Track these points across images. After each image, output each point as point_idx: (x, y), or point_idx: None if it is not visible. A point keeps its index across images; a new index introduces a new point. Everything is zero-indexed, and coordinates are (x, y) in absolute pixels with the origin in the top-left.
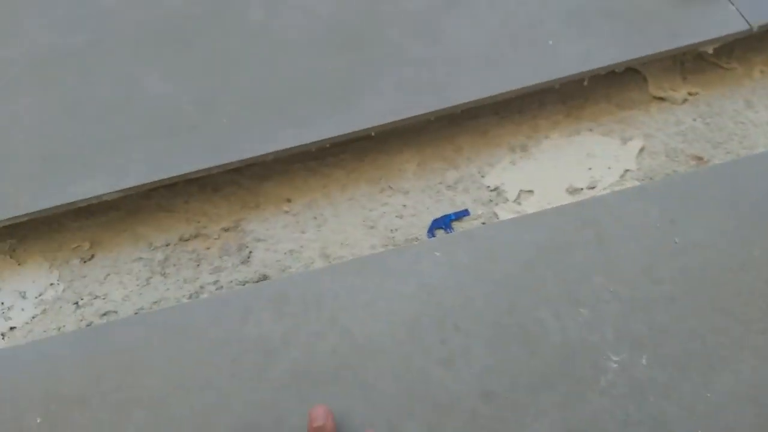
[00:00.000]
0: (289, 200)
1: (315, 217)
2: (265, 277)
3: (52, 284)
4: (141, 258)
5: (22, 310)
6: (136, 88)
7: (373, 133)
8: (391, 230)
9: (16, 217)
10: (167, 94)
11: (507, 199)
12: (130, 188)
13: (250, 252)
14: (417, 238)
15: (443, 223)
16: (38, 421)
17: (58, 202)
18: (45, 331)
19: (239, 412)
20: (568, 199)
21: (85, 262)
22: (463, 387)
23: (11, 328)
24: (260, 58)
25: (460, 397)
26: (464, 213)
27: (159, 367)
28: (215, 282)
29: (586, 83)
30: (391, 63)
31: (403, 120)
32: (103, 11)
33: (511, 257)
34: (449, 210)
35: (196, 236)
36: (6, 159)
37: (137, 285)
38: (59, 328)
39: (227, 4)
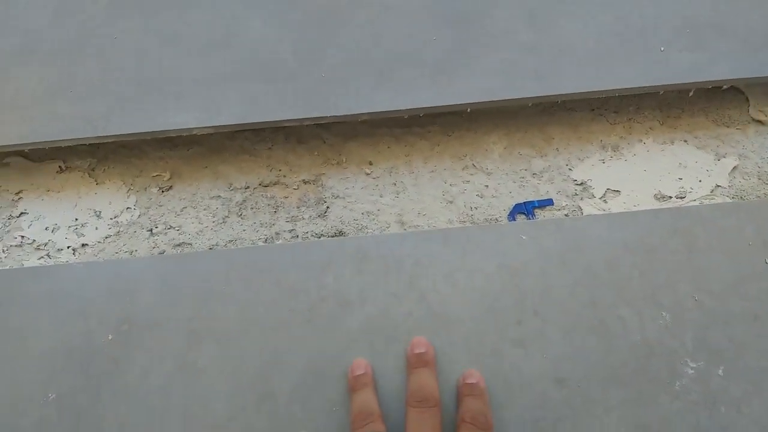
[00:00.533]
0: (370, 163)
1: (395, 184)
2: (340, 233)
3: (128, 208)
4: (219, 196)
5: (96, 228)
6: (238, 29)
7: (468, 110)
8: (471, 208)
9: (103, 137)
10: (268, 40)
11: (593, 196)
12: (221, 126)
13: (328, 207)
14: (497, 219)
15: (526, 208)
16: (109, 338)
17: (148, 129)
18: (117, 253)
19: (308, 357)
20: (655, 205)
21: (163, 191)
22: (535, 369)
23: (83, 245)
24: (366, 17)
25: (531, 379)
26: (548, 202)
27: (235, 302)
28: (291, 230)
29: (691, 94)
30: (496, 44)
31: (500, 101)
32: None
33: (598, 252)
34: (532, 197)
35: (275, 183)
36: (100, 79)
37: (213, 222)
38: (131, 252)
39: None
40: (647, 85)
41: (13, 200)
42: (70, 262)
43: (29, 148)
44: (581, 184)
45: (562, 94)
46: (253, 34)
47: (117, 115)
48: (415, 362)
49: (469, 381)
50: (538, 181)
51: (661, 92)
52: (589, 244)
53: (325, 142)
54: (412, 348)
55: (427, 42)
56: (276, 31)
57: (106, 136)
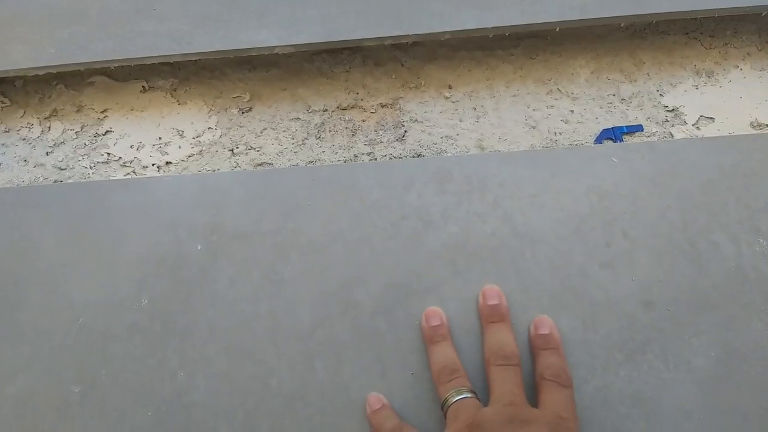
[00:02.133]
0: (450, 87)
1: (475, 108)
2: (419, 157)
3: (210, 128)
4: (298, 118)
5: (179, 147)
6: None
7: (557, 29)
8: (555, 133)
9: (187, 54)
10: None
11: (685, 122)
12: (302, 45)
13: (406, 131)
14: (583, 145)
15: (614, 134)
16: (198, 248)
17: (231, 47)
18: (200, 171)
19: (391, 271)
20: (750, 133)
21: (243, 113)
22: (623, 291)
23: (167, 163)
24: None
25: (618, 301)
26: (638, 128)
27: (319, 217)
28: (369, 153)
29: None
30: None
31: (591, 20)
32: None
33: (693, 176)
34: (620, 122)
35: (353, 107)
36: None
37: (293, 143)
38: (214, 171)
39: None
40: (748, 5)
41: (98, 119)
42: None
43: (115, 65)
44: (673, 110)
45: (657, 14)
46: None
47: (200, 32)
48: (490, 315)
49: (542, 332)
50: (627, 107)
51: (763, 14)
52: (682, 167)
53: (403, 65)
54: (485, 299)
55: None
56: None
57: (190, 54)
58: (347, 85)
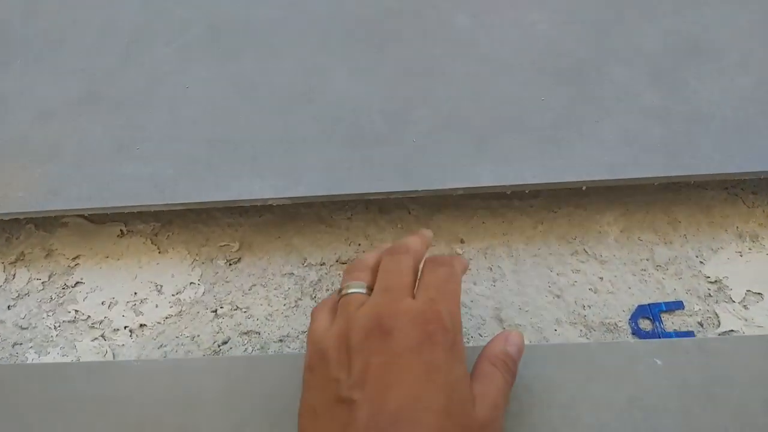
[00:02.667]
0: (462, 241)
1: (491, 268)
2: None
3: (192, 283)
4: (292, 274)
5: (156, 306)
6: (320, 82)
7: (583, 188)
8: (583, 306)
9: (169, 204)
10: (354, 96)
11: (731, 299)
12: (300, 197)
13: None
14: (616, 324)
15: (651, 312)
16: None
17: (220, 198)
18: (177, 337)
19: None
20: None
21: (230, 264)
22: None
23: (141, 326)
24: (463, 73)
25: None
26: (678, 305)
27: None
28: None
29: None
30: (617, 108)
31: (621, 180)
32: None
33: (753, 388)
34: (656, 294)
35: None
36: (170, 135)
37: (284, 305)
38: (193, 337)
39: (430, 4)
40: None
41: (69, 266)
42: (126, 345)
43: (89, 213)
44: (715, 282)
45: (696, 175)
46: (337, 88)
47: (186, 179)
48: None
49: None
50: (663, 275)
51: None
52: (740, 375)
53: (410, 213)
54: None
55: (534, 103)
56: (363, 87)
57: (173, 204)
58: (348, 234)
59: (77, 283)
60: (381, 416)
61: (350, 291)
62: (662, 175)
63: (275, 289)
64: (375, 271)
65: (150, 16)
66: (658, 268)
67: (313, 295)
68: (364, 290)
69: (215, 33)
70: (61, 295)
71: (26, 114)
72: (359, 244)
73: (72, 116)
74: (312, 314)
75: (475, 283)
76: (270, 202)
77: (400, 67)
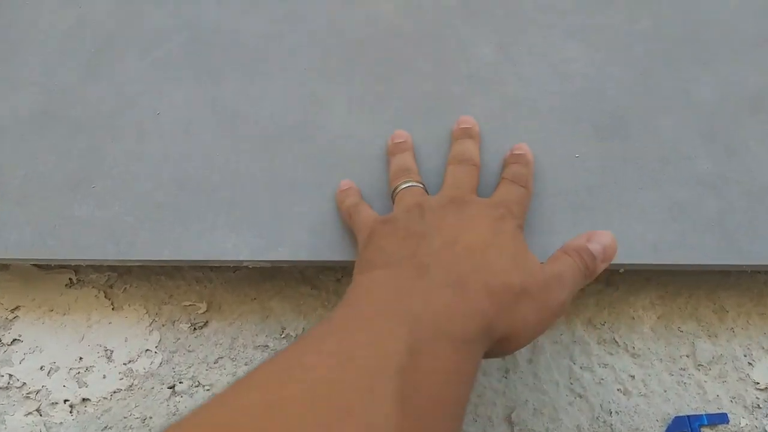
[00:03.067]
0: None
1: (502, 357)
2: None
3: (147, 350)
4: (266, 346)
5: (103, 377)
6: (315, 115)
7: (621, 270)
8: (609, 411)
9: (124, 260)
10: (354, 134)
11: None
12: (280, 261)
13: None
14: None
15: (690, 426)
16: None
17: (184, 258)
18: (125, 418)
19: None
20: None
21: (195, 329)
22: None
23: (84, 400)
24: (485, 115)
25: None
26: (722, 418)
27: None
28: None
29: None
30: (664, 173)
31: (665, 265)
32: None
33: None
34: (696, 399)
35: None
36: (133, 172)
37: None
38: (144, 419)
39: (449, 26)
40: None
41: (7, 319)
42: (64, 424)
43: (32, 263)
44: (765, 389)
45: (758, 265)
46: (336, 123)
47: (147, 229)
48: (460, 134)
49: (516, 152)
50: (704, 376)
51: None
52: None
53: None
54: (458, 123)
55: (566, 159)
56: (365, 123)
57: (129, 261)
58: (336, 299)
59: (14, 340)
60: (454, 246)
61: (409, 184)
62: (716, 263)
63: (245, 364)
64: (420, 176)
65: (122, 20)
66: (699, 367)
67: None
68: (421, 185)
69: (196, 47)
70: None
71: None
72: None
73: (20, 140)
74: (351, 210)
75: (484, 374)
76: (245, 264)
77: (410, 102)
